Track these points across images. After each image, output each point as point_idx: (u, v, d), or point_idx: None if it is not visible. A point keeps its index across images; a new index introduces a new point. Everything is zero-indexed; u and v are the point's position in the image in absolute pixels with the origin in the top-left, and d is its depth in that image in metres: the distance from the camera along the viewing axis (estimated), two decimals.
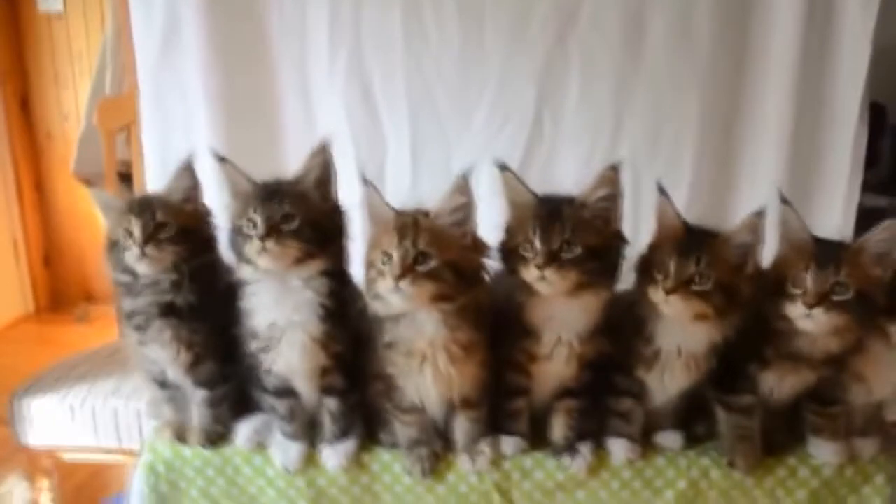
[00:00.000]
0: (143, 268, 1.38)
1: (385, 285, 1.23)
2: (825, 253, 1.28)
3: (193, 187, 1.45)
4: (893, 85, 2.58)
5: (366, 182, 1.31)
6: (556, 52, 2.07)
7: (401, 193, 2.14)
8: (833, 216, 2.08)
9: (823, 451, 1.44)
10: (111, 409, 2.16)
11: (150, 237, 1.37)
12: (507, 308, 1.36)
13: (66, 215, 4.18)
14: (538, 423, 1.47)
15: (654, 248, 1.35)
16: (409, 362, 1.33)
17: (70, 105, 4.00)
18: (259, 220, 1.30)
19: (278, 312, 1.36)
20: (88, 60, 3.79)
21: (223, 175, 1.38)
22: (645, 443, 1.46)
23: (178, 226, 1.40)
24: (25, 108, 4.07)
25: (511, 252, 1.32)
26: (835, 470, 1.43)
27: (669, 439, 1.47)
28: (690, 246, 1.28)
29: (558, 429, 1.44)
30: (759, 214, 1.28)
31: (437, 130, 2.14)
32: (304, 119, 2.19)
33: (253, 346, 1.39)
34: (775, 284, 1.31)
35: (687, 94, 2.06)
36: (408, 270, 1.22)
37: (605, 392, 1.44)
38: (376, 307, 1.29)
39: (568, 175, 2.10)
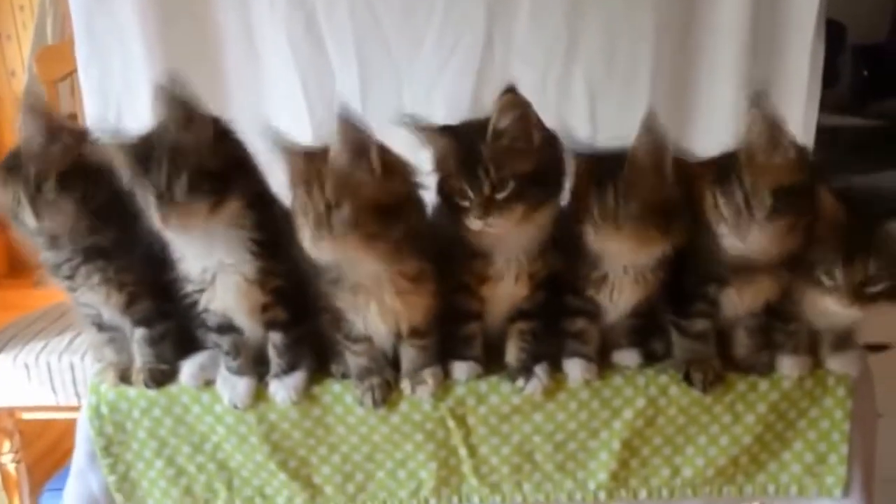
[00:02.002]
0: (49, 226, 1.31)
1: (306, 239, 1.17)
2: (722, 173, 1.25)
3: (49, 120, 1.31)
4: (853, 3, 2.55)
5: (267, 131, 1.21)
6: None
7: None
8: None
9: (784, 365, 1.42)
10: (67, 365, 2.14)
11: (34, 198, 1.27)
12: (452, 233, 1.30)
13: None
14: (493, 348, 1.44)
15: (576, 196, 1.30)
16: (355, 298, 1.29)
17: (16, 61, 3.86)
18: (148, 188, 1.19)
19: (208, 258, 1.30)
20: (32, 13, 3.65)
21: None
22: (602, 362, 1.43)
23: (56, 171, 1.29)
24: None
25: (448, 195, 1.26)
26: (795, 382, 1.41)
27: (627, 357, 1.44)
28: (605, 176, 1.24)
29: (513, 352, 1.41)
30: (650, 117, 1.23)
31: (385, 58, 2.07)
32: (247, 54, 2.11)
33: (188, 287, 1.34)
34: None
35: (641, 10, 2.01)
36: (322, 224, 1.15)
37: (559, 312, 1.40)
38: (312, 257, 1.21)
39: None
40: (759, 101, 1.25)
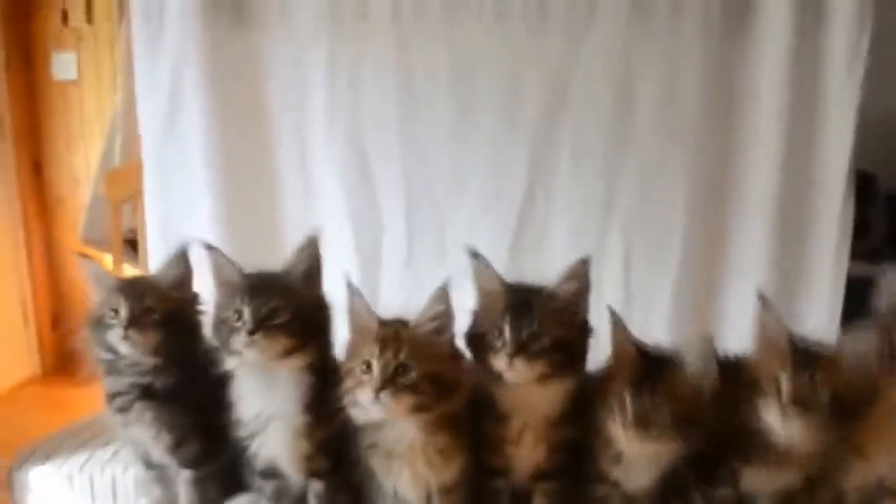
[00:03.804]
0: (124, 348, 1.42)
1: (365, 395, 1.25)
2: (802, 355, 1.29)
3: (185, 274, 1.48)
4: (883, 154, 2.61)
5: (350, 288, 1.33)
6: (547, 129, 2.13)
7: (397, 268, 2.21)
8: (822, 286, 2.11)
9: None
10: (109, 477, 2.17)
11: (136, 320, 1.40)
12: (480, 391, 1.39)
13: (74, 278, 4.21)
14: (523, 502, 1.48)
15: (609, 378, 1.36)
16: (388, 463, 1.36)
17: (81, 170, 4.08)
18: (247, 312, 1.32)
19: (263, 403, 1.39)
20: (100, 126, 3.88)
21: (210, 263, 1.41)
22: None
23: (164, 311, 1.43)
24: (38, 171, 4.15)
25: (478, 339, 1.36)
26: None
27: None
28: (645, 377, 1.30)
29: None
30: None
31: (431, 205, 2.19)
32: (303, 193, 2.25)
33: (241, 432, 1.42)
34: (751, 384, 1.32)
35: (675, 172, 2.10)
36: (388, 382, 1.24)
37: (582, 475, 1.44)
38: (355, 414, 1.30)
39: (559, 252, 2.15)
40: None
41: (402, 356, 1.25)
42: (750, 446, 1.35)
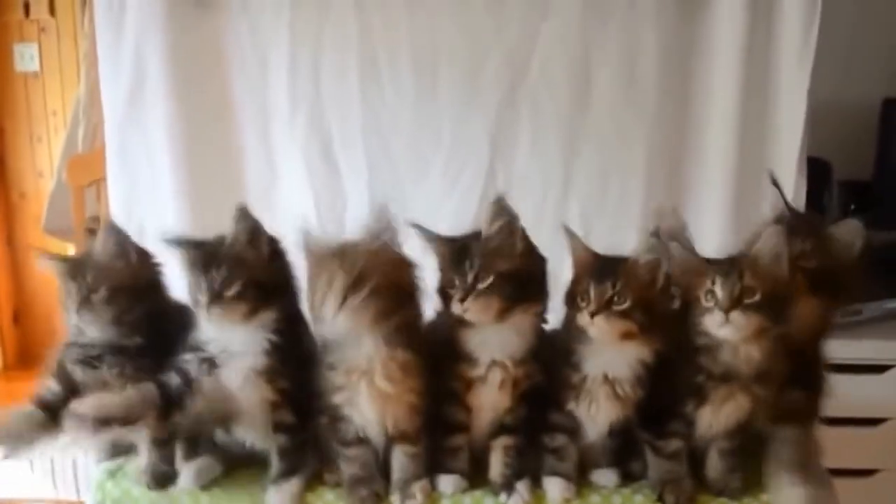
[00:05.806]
0: (84, 326, 1.46)
1: (326, 311, 1.32)
2: (724, 262, 1.39)
3: (122, 240, 1.51)
4: (837, 142, 2.69)
5: (301, 229, 1.39)
6: (507, 105, 2.17)
7: None
8: None
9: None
10: (69, 461, 2.19)
11: (84, 301, 1.44)
12: (444, 340, 1.45)
13: (36, 272, 4.17)
14: (478, 461, 1.51)
15: (574, 281, 1.44)
16: (349, 380, 1.40)
17: (44, 163, 4.04)
18: (203, 287, 1.38)
19: (228, 343, 1.44)
20: (63, 118, 3.85)
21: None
22: (581, 480, 1.50)
23: (110, 286, 1.46)
24: (0, 165, 4.11)
25: (443, 292, 1.43)
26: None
27: (604, 477, 1.51)
28: (605, 271, 1.38)
29: (496, 466, 1.48)
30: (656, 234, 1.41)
31: (394, 183, 2.22)
32: (266, 174, 2.27)
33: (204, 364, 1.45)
34: (689, 304, 1.40)
35: (633, 147, 2.16)
36: (343, 301, 1.31)
37: (540, 429, 1.48)
38: (320, 329, 1.38)
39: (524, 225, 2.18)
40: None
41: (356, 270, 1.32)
42: (702, 377, 1.41)
